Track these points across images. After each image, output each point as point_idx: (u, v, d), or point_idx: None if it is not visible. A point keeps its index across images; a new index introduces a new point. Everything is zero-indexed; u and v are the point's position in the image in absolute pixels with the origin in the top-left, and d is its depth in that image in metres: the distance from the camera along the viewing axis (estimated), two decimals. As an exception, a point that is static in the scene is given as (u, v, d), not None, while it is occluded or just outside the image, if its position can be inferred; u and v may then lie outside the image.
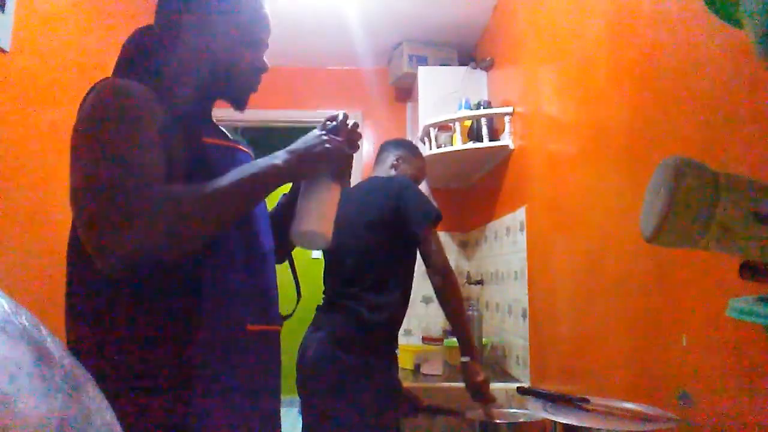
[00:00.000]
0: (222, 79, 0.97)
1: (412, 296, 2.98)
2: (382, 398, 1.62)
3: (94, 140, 0.82)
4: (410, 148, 2.04)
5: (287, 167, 0.89)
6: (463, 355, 1.67)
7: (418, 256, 1.76)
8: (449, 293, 1.68)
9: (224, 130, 1.07)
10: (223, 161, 0.91)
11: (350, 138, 0.99)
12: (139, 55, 0.97)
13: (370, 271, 1.72)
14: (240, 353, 0.89)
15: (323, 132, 0.95)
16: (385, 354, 1.69)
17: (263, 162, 0.88)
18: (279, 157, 0.90)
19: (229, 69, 0.96)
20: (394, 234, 1.72)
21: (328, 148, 0.92)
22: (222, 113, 1.08)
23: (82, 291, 0.85)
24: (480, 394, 1.62)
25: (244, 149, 1.02)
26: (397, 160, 1.97)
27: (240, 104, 1.01)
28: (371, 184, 1.86)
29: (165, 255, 0.79)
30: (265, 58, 1.01)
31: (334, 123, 0.98)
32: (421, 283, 3.24)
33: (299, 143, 0.93)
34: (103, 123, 0.83)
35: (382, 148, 2.04)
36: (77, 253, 0.83)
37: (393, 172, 1.94)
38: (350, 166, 0.98)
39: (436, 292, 1.70)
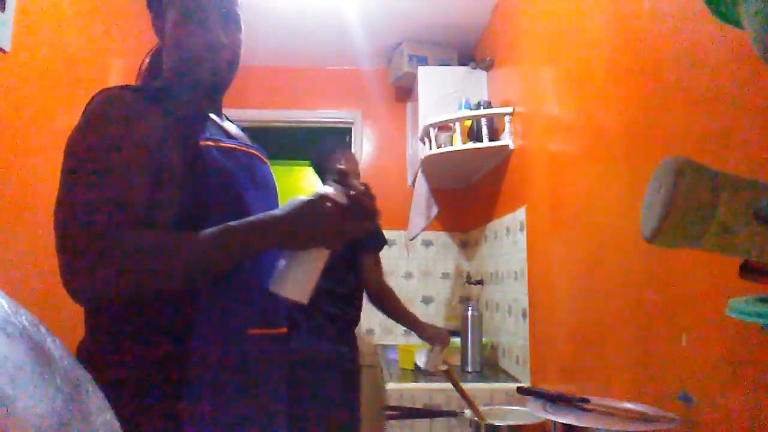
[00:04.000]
0: (193, 69, 0.95)
1: (412, 296, 3.06)
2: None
3: (78, 161, 0.82)
4: (343, 146, 2.25)
5: (278, 238, 0.83)
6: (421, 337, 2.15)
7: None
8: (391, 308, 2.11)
9: (233, 128, 1.05)
10: (222, 164, 0.90)
11: (360, 205, 0.85)
12: (148, 65, 1.02)
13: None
14: (240, 358, 0.87)
15: (325, 198, 0.84)
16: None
17: (253, 227, 0.81)
18: (268, 224, 0.82)
19: (190, 57, 0.94)
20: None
21: (327, 222, 0.83)
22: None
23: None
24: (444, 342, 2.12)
25: (247, 149, 0.99)
26: (344, 160, 2.14)
27: (213, 90, 0.99)
28: None
29: (129, 297, 0.78)
30: (221, 32, 0.95)
31: (340, 183, 0.88)
32: (421, 283, 3.26)
33: (298, 211, 0.83)
34: (88, 143, 0.82)
35: (318, 161, 2.22)
36: None
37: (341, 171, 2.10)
38: (349, 235, 0.86)
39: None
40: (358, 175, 2.23)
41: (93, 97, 0.87)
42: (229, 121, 1.10)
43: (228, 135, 1.00)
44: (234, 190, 0.91)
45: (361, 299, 2.13)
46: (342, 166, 2.10)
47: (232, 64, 0.99)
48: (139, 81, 1.03)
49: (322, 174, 2.22)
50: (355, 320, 2.12)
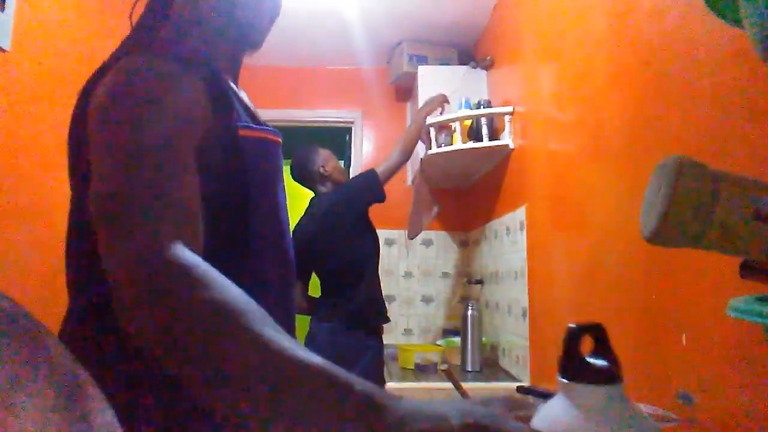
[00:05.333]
0: (235, 24, 0.82)
1: (412, 296, 3.16)
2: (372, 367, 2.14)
3: (122, 150, 0.61)
4: (315, 149, 2.36)
5: None
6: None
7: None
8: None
9: (247, 100, 0.90)
10: (260, 159, 0.79)
11: None
12: (159, 17, 0.84)
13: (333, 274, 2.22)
14: None
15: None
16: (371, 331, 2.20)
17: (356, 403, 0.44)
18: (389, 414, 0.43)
19: (233, 7, 0.81)
20: (351, 243, 2.19)
21: None
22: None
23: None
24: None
25: (274, 137, 0.86)
26: (320, 166, 2.31)
27: (248, 49, 0.86)
28: (322, 202, 2.26)
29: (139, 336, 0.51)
30: None
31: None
32: (421, 283, 3.26)
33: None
34: (132, 128, 0.62)
35: (299, 172, 2.35)
36: (75, 259, 0.76)
37: (327, 177, 2.31)
38: None
39: None
40: (342, 171, 2.38)
41: (108, 67, 0.72)
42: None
43: (252, 115, 0.86)
44: (270, 190, 0.81)
45: (367, 286, 2.20)
46: (326, 169, 2.28)
47: (273, 21, 0.86)
48: (135, 21, 0.87)
49: (308, 183, 2.36)
50: (360, 309, 2.16)
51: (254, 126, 0.82)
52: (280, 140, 0.88)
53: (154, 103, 0.65)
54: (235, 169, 0.76)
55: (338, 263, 2.19)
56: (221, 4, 0.81)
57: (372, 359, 2.13)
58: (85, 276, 0.75)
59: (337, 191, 2.26)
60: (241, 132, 0.77)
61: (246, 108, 0.86)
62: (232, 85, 0.85)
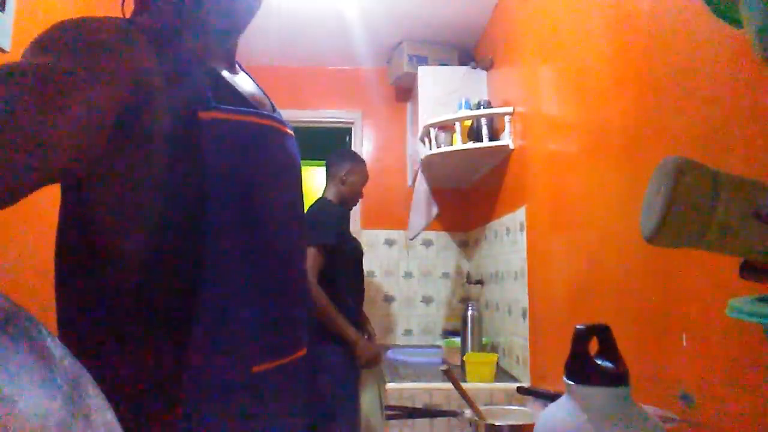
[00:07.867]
0: (201, 7, 0.76)
1: (412, 296, 3.10)
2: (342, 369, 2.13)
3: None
4: (355, 159, 2.40)
5: None
6: (349, 344, 2.12)
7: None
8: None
9: (248, 85, 0.84)
10: (232, 148, 0.70)
11: None
12: None
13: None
14: (244, 399, 0.70)
15: None
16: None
17: None
18: None
19: None
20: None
21: None
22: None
23: (69, 307, 0.75)
24: (373, 363, 2.13)
25: (269, 121, 0.78)
26: (345, 174, 2.33)
27: (226, 35, 0.80)
28: (317, 207, 2.24)
29: None
30: None
31: None
32: (421, 283, 3.26)
33: None
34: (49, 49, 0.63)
35: (329, 164, 2.38)
36: (65, 264, 0.75)
37: (342, 187, 2.33)
38: None
39: None
40: (355, 192, 2.39)
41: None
42: (245, 72, 0.89)
43: (243, 99, 0.79)
44: (245, 185, 0.72)
45: (346, 294, 2.21)
46: (351, 178, 2.28)
47: (251, 3, 0.80)
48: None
49: (328, 176, 2.39)
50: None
51: (240, 109, 0.74)
52: (277, 124, 0.81)
53: (83, 35, 0.65)
54: (188, 153, 0.67)
55: None
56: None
57: (340, 364, 2.10)
58: (79, 274, 0.74)
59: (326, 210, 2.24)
60: (205, 114, 0.68)
61: (241, 96, 0.79)
62: (227, 72, 0.81)
